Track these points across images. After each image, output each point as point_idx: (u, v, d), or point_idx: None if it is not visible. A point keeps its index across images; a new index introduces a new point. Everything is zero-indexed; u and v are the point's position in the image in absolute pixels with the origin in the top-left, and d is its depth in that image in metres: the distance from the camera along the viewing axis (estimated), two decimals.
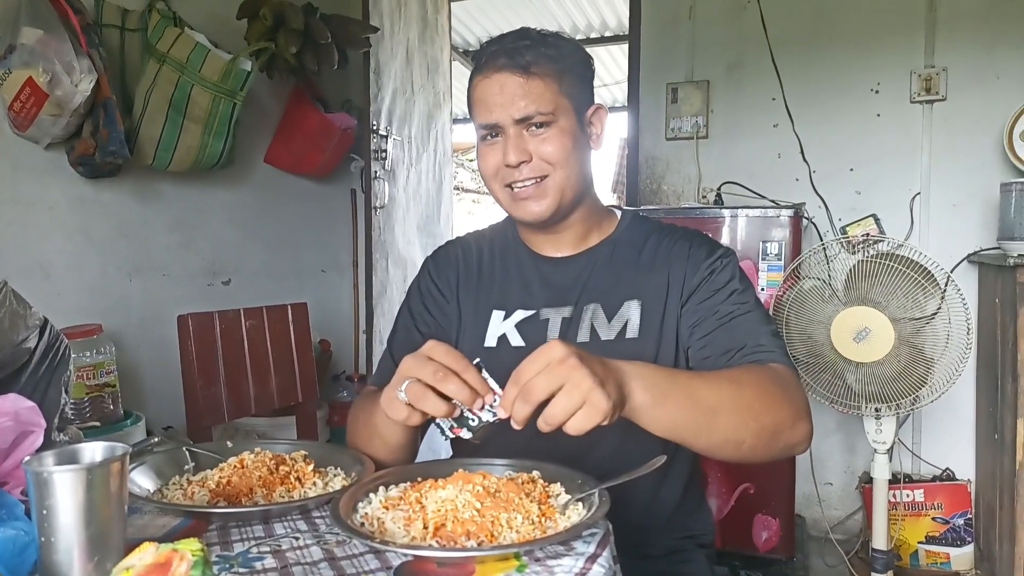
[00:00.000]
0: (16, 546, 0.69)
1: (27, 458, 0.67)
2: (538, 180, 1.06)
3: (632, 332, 1.09)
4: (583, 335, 1.10)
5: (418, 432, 1.02)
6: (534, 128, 1.04)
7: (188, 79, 2.29)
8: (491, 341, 1.14)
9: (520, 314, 1.14)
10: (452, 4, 3.53)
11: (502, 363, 1.03)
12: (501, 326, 1.14)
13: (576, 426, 0.75)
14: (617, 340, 1.09)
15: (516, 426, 0.77)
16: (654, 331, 1.09)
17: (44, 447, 0.83)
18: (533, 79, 1.03)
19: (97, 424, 1.81)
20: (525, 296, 1.15)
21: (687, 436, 0.88)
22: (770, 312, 2.22)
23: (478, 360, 0.84)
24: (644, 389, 0.81)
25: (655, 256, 1.13)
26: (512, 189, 1.08)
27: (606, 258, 1.15)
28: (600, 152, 1.15)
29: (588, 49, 1.17)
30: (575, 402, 0.74)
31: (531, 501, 0.80)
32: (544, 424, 0.76)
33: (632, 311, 1.10)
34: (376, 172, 2.93)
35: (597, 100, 1.13)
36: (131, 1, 2.33)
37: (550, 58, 1.04)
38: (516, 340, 1.12)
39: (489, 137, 1.07)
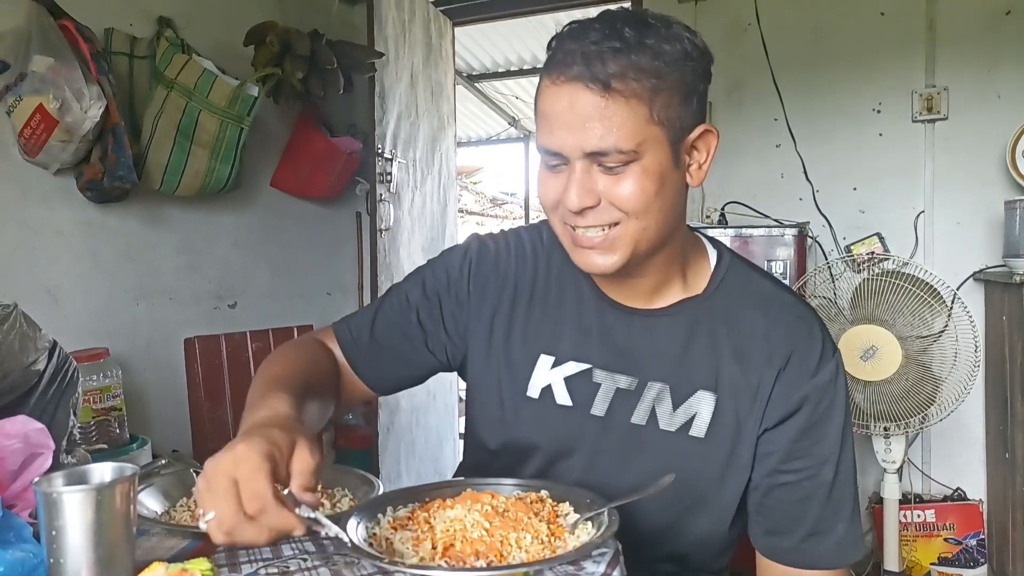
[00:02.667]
0: (25, 568, 0.69)
1: (37, 479, 0.67)
2: (606, 227, 0.82)
3: (698, 431, 0.90)
4: (639, 416, 0.92)
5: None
6: (608, 162, 0.79)
7: (196, 105, 2.31)
8: (534, 391, 0.95)
9: (572, 367, 0.94)
10: (456, 29, 3.57)
11: (542, 419, 0.95)
12: (548, 375, 0.94)
13: None
14: (679, 434, 0.90)
15: None
16: (726, 437, 0.90)
17: (52, 469, 0.83)
18: (615, 100, 0.76)
19: (104, 447, 1.81)
20: (580, 344, 0.94)
21: None
22: None
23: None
24: None
25: (747, 344, 0.90)
26: (574, 230, 0.85)
27: (687, 325, 0.92)
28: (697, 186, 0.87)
29: None
30: None
31: (540, 520, 0.80)
32: None
33: (703, 405, 0.90)
34: (381, 195, 2.95)
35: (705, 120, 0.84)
36: (140, 29, 2.37)
37: (645, 71, 0.76)
38: (563, 397, 0.94)
39: (551, 162, 0.83)
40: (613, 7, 0.85)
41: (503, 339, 0.97)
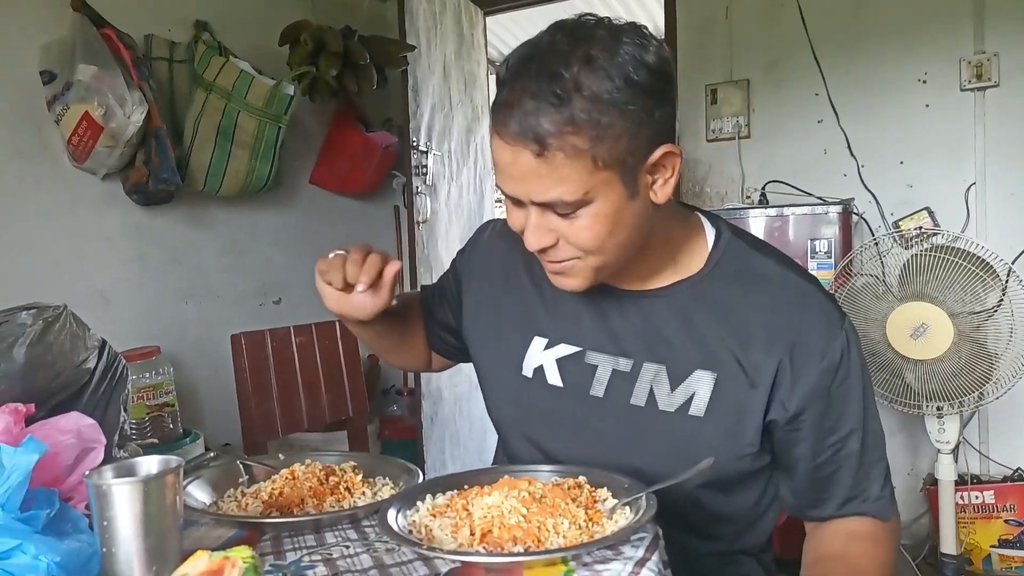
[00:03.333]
0: (81, 558, 0.72)
1: (88, 472, 0.70)
2: (563, 260, 0.85)
3: (697, 410, 0.89)
4: (638, 398, 0.91)
5: (388, 333, 1.09)
6: (559, 211, 0.80)
7: (234, 106, 2.36)
8: (527, 371, 0.99)
9: (563, 349, 0.96)
10: (487, 18, 3.56)
11: (535, 398, 0.99)
12: (540, 355, 0.98)
13: None
14: (678, 413, 0.90)
15: None
16: (727, 414, 0.89)
17: (104, 463, 0.86)
18: (554, 158, 0.75)
19: (156, 442, 1.86)
20: (571, 327, 0.96)
21: None
22: None
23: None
24: None
25: (747, 324, 0.88)
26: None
27: (683, 306, 0.91)
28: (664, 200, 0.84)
29: None
30: None
31: (577, 506, 0.80)
32: None
33: (702, 384, 0.89)
34: (418, 187, 2.96)
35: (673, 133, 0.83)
36: (178, 34, 2.42)
37: (583, 124, 0.74)
38: (554, 378, 0.96)
39: (509, 199, 0.84)
40: (565, 20, 0.80)
41: (495, 322, 1.04)
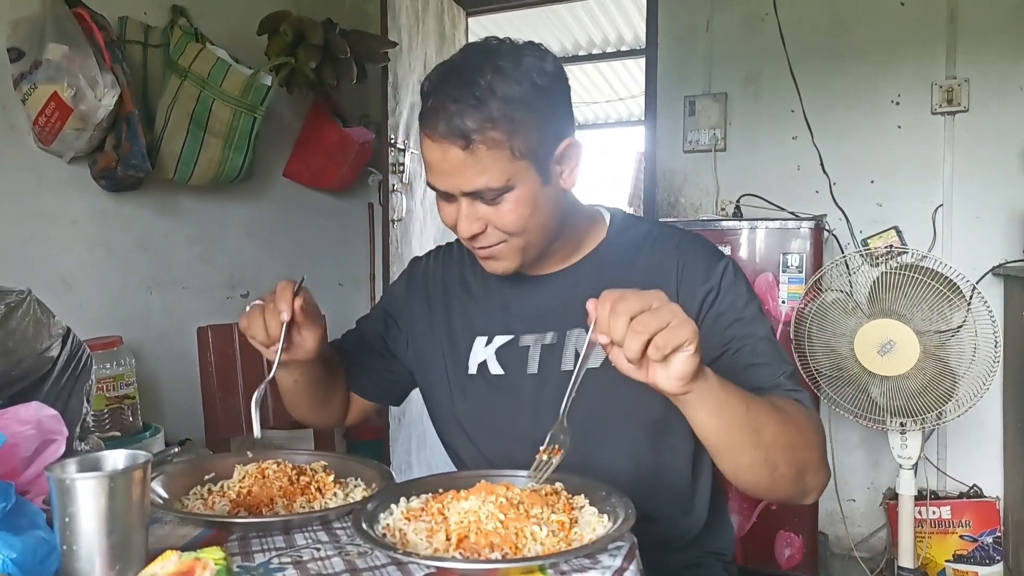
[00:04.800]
0: (38, 554, 0.69)
1: (50, 465, 0.67)
2: (495, 244, 0.98)
3: None
4: (567, 363, 1.03)
5: (313, 389, 1.11)
6: (485, 197, 0.93)
7: (209, 94, 2.31)
8: (473, 368, 1.09)
9: (500, 339, 1.08)
10: (469, 19, 3.55)
11: (482, 391, 1.08)
12: (483, 352, 1.08)
13: (666, 340, 0.73)
14: (604, 367, 0.95)
15: (617, 345, 0.76)
16: None
17: (66, 456, 0.83)
18: (477, 150, 0.89)
19: (118, 434, 1.81)
20: (504, 320, 1.08)
21: (733, 441, 0.85)
22: (791, 325, 2.20)
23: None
24: (712, 372, 0.81)
25: (646, 273, 1.02)
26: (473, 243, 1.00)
27: (591, 276, 1.04)
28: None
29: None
30: (664, 317, 0.73)
31: (555, 513, 0.79)
32: (635, 338, 0.73)
33: None
34: (394, 185, 2.94)
35: (579, 120, 1.01)
36: (154, 17, 2.37)
37: (500, 120, 0.89)
38: (495, 368, 1.07)
39: (442, 196, 0.97)
40: (477, 41, 0.96)
41: (446, 334, 1.12)
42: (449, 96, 0.89)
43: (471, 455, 1.12)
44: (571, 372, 0.96)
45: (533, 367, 1.04)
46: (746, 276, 1.05)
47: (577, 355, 1.01)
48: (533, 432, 0.97)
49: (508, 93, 0.89)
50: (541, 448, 0.83)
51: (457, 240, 1.17)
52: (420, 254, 1.26)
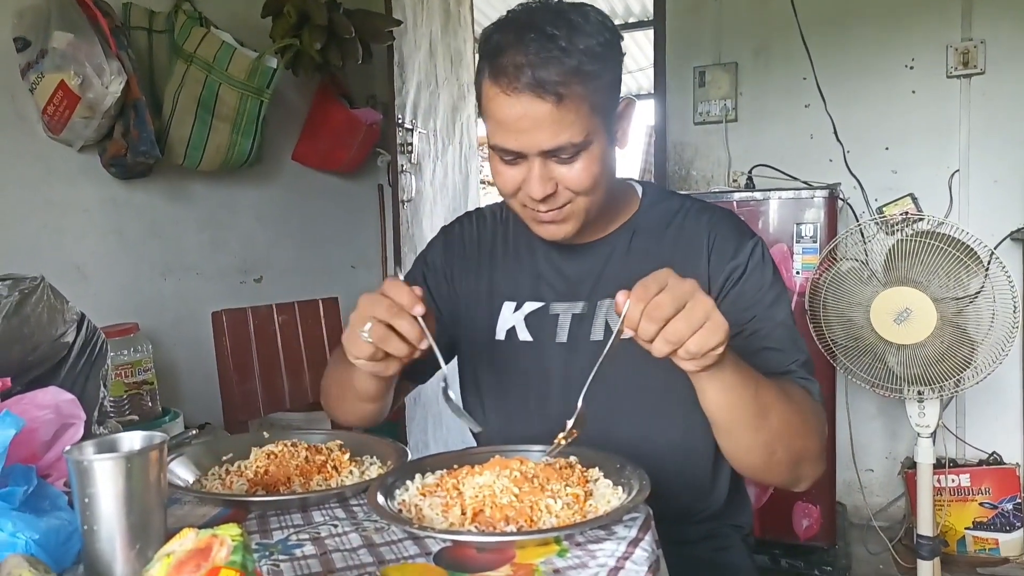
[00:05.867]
0: (60, 536, 0.70)
1: (68, 447, 0.68)
2: (561, 206, 0.96)
3: None
4: (597, 333, 1.03)
5: (391, 387, 1.01)
6: (562, 155, 0.91)
7: (215, 78, 2.30)
8: (500, 334, 1.08)
9: (529, 306, 1.07)
10: None
11: (510, 357, 1.07)
12: (511, 318, 1.08)
13: (698, 344, 0.74)
14: (630, 342, 1.00)
15: (646, 342, 0.76)
16: None
17: (84, 440, 0.84)
18: (565, 105, 0.87)
19: (136, 419, 1.83)
20: (535, 287, 1.08)
21: (737, 422, 0.86)
22: (806, 296, 2.18)
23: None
24: (730, 351, 0.80)
25: (675, 246, 1.03)
26: (533, 210, 0.98)
27: (623, 248, 1.05)
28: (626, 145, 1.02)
29: None
30: (698, 319, 0.73)
31: (570, 486, 0.79)
32: (665, 344, 0.75)
33: None
34: (402, 166, 2.93)
35: (623, 88, 0.99)
36: (157, 3, 2.35)
37: (582, 73, 0.87)
38: (524, 334, 1.07)
39: (506, 157, 0.93)
40: (532, 1, 0.93)
41: (477, 297, 1.11)
42: (530, 49, 0.86)
43: (487, 430, 1.10)
44: (600, 343, 1.00)
45: (562, 336, 1.04)
46: (773, 259, 1.05)
47: (607, 327, 1.01)
48: (557, 402, 1.01)
49: (587, 46, 0.88)
50: (562, 434, 0.83)
51: (490, 206, 1.18)
52: (430, 231, 1.25)
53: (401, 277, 0.88)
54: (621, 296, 0.76)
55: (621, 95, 0.97)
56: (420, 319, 0.82)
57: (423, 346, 0.83)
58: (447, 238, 1.18)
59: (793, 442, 0.91)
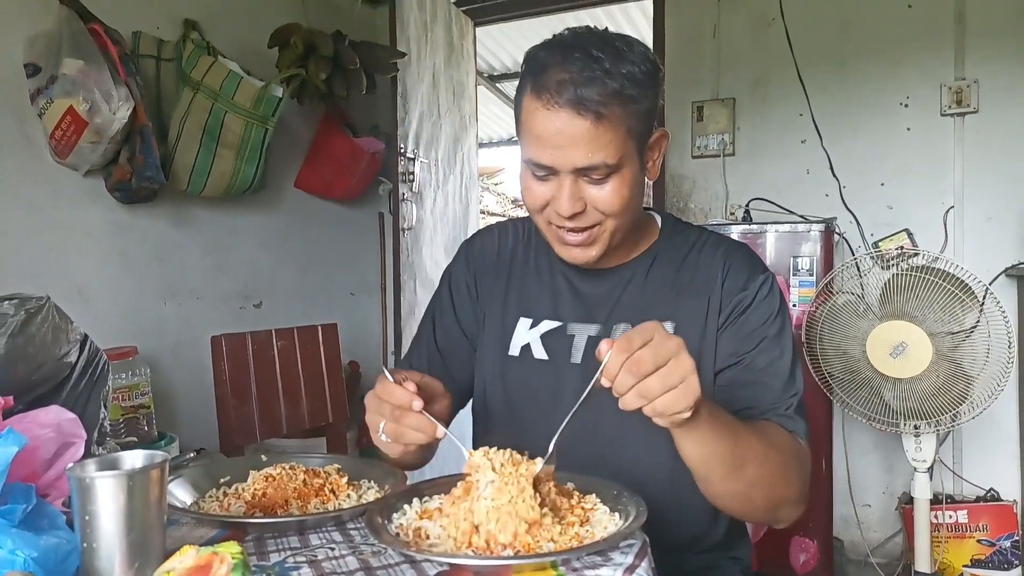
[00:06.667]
0: (58, 554, 0.70)
1: (71, 465, 0.68)
2: (589, 227, 0.97)
3: None
4: None
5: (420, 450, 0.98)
6: (594, 175, 0.92)
7: (221, 106, 2.34)
8: (515, 350, 1.09)
9: (546, 324, 1.09)
10: (477, 29, 3.58)
11: (523, 374, 1.08)
12: (527, 335, 1.09)
13: (664, 404, 0.74)
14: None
15: (619, 396, 0.77)
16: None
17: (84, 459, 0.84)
18: (602, 125, 0.88)
19: (135, 440, 1.83)
20: (553, 306, 1.09)
21: (713, 473, 0.87)
22: (803, 329, 2.19)
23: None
24: (707, 407, 0.81)
25: (694, 275, 1.05)
26: (559, 229, 0.98)
27: (642, 274, 1.07)
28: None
29: None
30: (673, 381, 0.74)
31: (567, 511, 0.79)
32: (636, 398, 0.75)
33: None
34: (404, 194, 2.96)
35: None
36: (166, 32, 2.40)
37: (623, 97, 0.89)
38: (540, 352, 1.08)
39: (538, 172, 0.95)
40: (578, 27, 0.96)
41: (492, 311, 1.13)
42: (574, 68, 0.88)
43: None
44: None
45: (577, 357, 1.05)
46: (784, 296, 1.07)
47: None
48: (556, 426, 1.00)
49: (629, 71, 0.90)
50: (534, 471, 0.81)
51: (512, 220, 1.20)
52: (430, 260, 1.26)
53: (387, 372, 0.87)
54: (604, 344, 0.76)
55: (655, 126, 0.98)
56: (425, 413, 0.83)
57: (439, 434, 0.84)
58: (469, 251, 1.19)
59: (772, 490, 0.92)
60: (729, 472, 0.87)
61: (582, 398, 0.80)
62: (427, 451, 1.03)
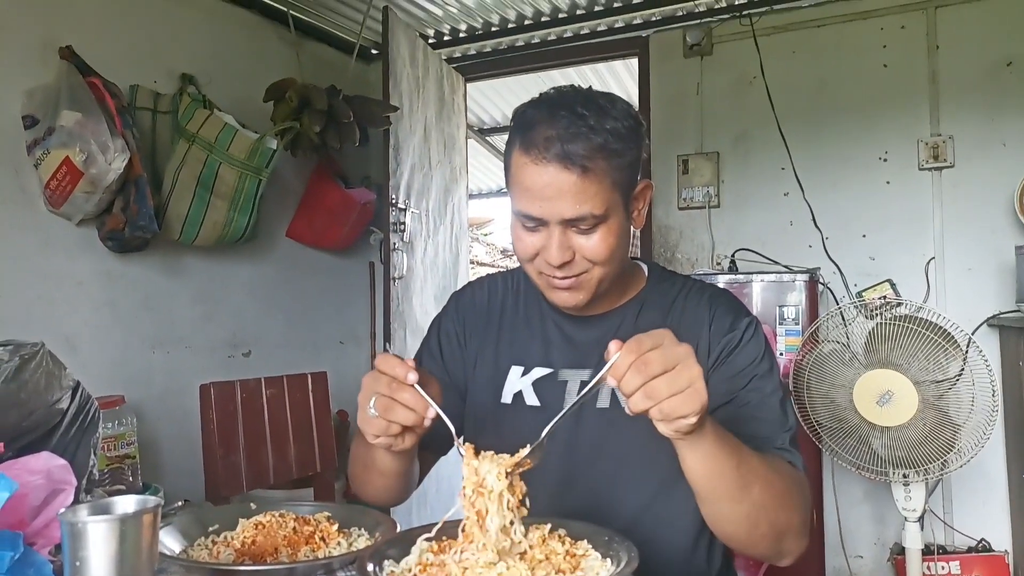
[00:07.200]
0: None
1: (62, 510, 0.68)
2: (579, 275, 1.00)
3: None
4: (603, 401, 1.05)
5: (412, 461, 1.02)
6: (582, 226, 0.96)
7: (216, 157, 2.38)
8: (507, 398, 1.10)
9: (538, 372, 1.10)
10: (468, 85, 3.67)
11: (516, 421, 1.09)
12: (519, 382, 1.10)
13: (672, 407, 0.75)
14: (616, 412, 1.02)
15: (624, 395, 0.78)
16: None
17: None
18: (588, 178, 0.92)
19: (124, 488, 1.80)
20: (544, 353, 1.11)
21: (718, 492, 0.87)
22: (790, 377, 2.21)
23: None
24: (711, 422, 0.82)
25: (681, 320, 1.08)
26: (549, 277, 1.01)
27: (631, 320, 1.09)
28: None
29: None
30: (680, 384, 0.75)
31: (558, 558, 0.79)
32: (643, 399, 0.76)
33: None
34: (395, 244, 2.98)
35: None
36: (163, 85, 2.45)
37: (607, 151, 0.93)
38: (532, 399, 1.09)
39: (528, 224, 0.98)
40: (563, 86, 1.02)
41: (484, 361, 1.14)
42: (560, 124, 0.93)
43: None
44: (607, 410, 1.04)
45: (571, 399, 1.06)
46: (767, 339, 1.09)
47: (613, 395, 1.04)
48: (560, 467, 1.04)
49: (612, 127, 0.94)
50: (515, 458, 0.82)
51: (501, 273, 1.23)
52: (420, 309, 1.27)
53: (391, 351, 0.90)
54: (614, 345, 0.78)
55: (639, 177, 1.02)
56: (419, 387, 0.84)
57: (431, 414, 0.85)
58: (459, 302, 1.21)
59: (777, 516, 0.92)
60: (735, 492, 0.87)
61: (586, 390, 0.81)
62: (407, 479, 1.04)
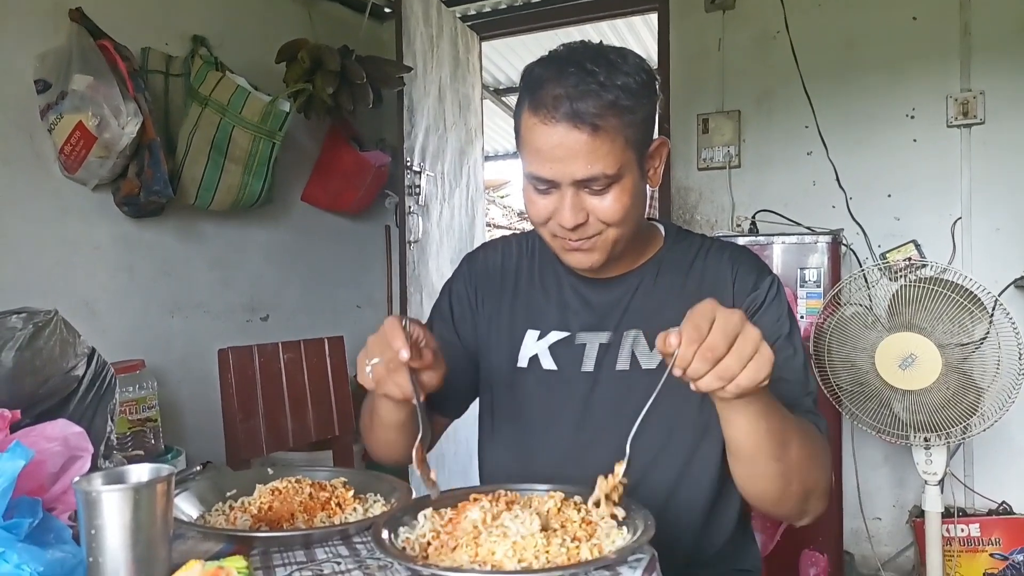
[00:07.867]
0: (64, 569, 0.70)
1: (77, 478, 0.68)
2: (591, 236, 0.98)
3: None
4: (623, 363, 1.04)
5: (413, 415, 1.00)
6: (595, 186, 0.93)
7: (229, 120, 2.36)
8: (523, 361, 1.10)
9: (555, 335, 1.09)
10: (483, 43, 3.60)
11: (531, 385, 1.09)
12: (535, 346, 1.09)
13: (749, 378, 0.74)
14: (660, 369, 1.00)
15: (693, 384, 0.76)
16: None
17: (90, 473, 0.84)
18: (599, 137, 0.90)
19: (142, 454, 1.83)
20: (561, 317, 1.09)
21: (760, 451, 0.86)
22: (811, 340, 2.18)
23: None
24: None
25: (701, 280, 1.07)
26: (563, 239, 0.99)
27: (650, 281, 1.08)
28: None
29: None
30: (747, 353, 0.74)
31: (575, 525, 0.79)
32: (715, 380, 0.74)
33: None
34: (410, 207, 2.96)
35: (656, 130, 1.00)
36: (175, 48, 2.43)
37: (620, 108, 0.90)
38: (548, 363, 1.08)
39: (540, 186, 0.96)
40: (573, 42, 0.97)
41: (498, 325, 1.13)
42: (569, 82, 0.90)
43: (495, 461, 1.13)
44: (626, 372, 1.03)
45: (589, 365, 1.06)
46: (787, 297, 1.08)
47: (633, 357, 1.03)
48: (574, 430, 1.05)
49: (624, 82, 0.91)
50: (609, 481, 0.81)
51: (516, 235, 1.21)
52: (436, 273, 1.26)
53: (409, 314, 0.90)
54: (673, 337, 0.75)
55: (655, 135, 0.99)
56: (412, 374, 0.86)
57: (412, 400, 0.86)
58: (471, 265, 1.19)
59: (808, 475, 0.91)
60: (776, 449, 0.86)
61: (654, 395, 0.80)
62: (407, 433, 1.01)
